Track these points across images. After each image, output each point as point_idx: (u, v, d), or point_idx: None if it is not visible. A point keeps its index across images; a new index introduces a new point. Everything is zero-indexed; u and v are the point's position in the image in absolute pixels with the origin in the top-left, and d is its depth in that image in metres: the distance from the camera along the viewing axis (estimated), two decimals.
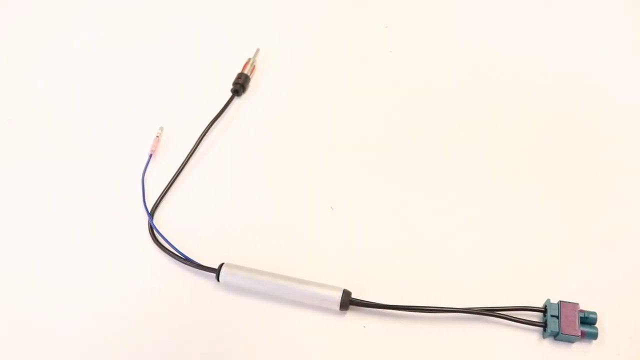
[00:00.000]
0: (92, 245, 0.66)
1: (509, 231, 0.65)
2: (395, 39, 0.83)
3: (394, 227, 0.66)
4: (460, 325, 0.59)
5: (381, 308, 0.59)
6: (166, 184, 0.69)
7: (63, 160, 0.73)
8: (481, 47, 0.82)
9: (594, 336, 0.57)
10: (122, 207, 0.69)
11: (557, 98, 0.76)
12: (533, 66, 0.79)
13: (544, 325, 0.58)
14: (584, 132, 0.73)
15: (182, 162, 0.70)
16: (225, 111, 0.75)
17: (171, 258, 0.64)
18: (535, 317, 0.59)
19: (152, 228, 0.65)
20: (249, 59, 0.78)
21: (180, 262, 0.63)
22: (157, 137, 0.72)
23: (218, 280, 0.61)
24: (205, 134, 0.72)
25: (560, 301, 0.58)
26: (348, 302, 0.59)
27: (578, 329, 0.56)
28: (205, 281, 0.63)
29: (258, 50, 0.80)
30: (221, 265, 0.61)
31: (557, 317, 0.57)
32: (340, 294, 0.59)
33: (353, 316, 0.60)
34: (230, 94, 0.77)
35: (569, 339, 0.57)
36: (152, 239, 0.65)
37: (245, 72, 0.77)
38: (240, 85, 0.76)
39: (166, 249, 0.64)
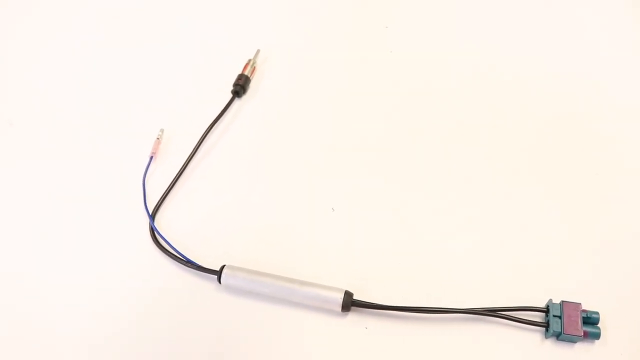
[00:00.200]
0: (93, 247, 0.65)
1: (510, 231, 0.65)
2: (395, 39, 0.82)
3: (395, 228, 0.65)
4: (462, 325, 0.59)
5: (383, 309, 0.58)
6: (167, 185, 0.68)
7: (63, 160, 0.72)
8: (481, 47, 0.81)
9: (596, 336, 0.56)
10: (123, 208, 0.68)
11: (557, 98, 0.75)
12: (533, 66, 0.79)
13: (546, 325, 0.57)
14: (584, 132, 0.72)
15: (182, 163, 0.70)
16: (226, 112, 0.74)
17: (172, 260, 0.63)
18: (538, 317, 0.59)
19: (153, 230, 0.65)
20: (249, 60, 0.78)
21: (182, 264, 0.63)
22: (158, 139, 0.72)
23: (219, 282, 0.60)
24: (205, 135, 0.72)
25: (563, 301, 0.57)
26: (350, 303, 0.58)
27: (581, 329, 0.56)
28: (206, 283, 0.62)
29: (258, 51, 0.79)
30: (222, 267, 0.61)
31: (560, 317, 0.57)
32: (342, 295, 0.58)
33: (355, 317, 0.60)
34: (230, 95, 0.76)
35: (572, 339, 0.57)
36: (153, 241, 0.65)
37: (246, 73, 0.76)
38: (240, 87, 0.75)
39: (167, 250, 0.63)
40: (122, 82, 0.80)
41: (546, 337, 0.57)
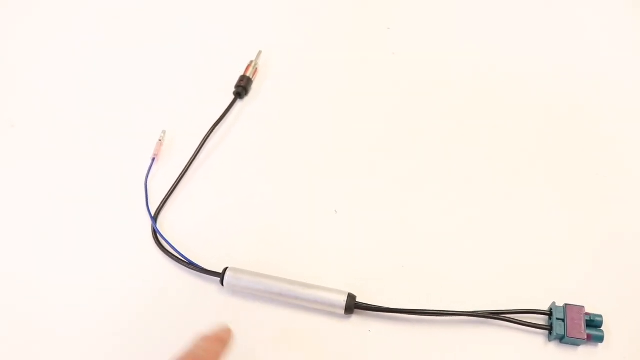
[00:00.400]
0: (94, 249, 0.65)
1: (511, 232, 0.64)
2: (397, 41, 0.81)
3: (398, 230, 0.65)
4: (466, 328, 0.58)
5: (386, 312, 0.58)
6: (168, 186, 0.68)
7: (63, 161, 0.71)
8: (481, 47, 0.81)
9: (600, 339, 0.56)
10: (125, 210, 0.67)
11: (557, 98, 0.75)
12: (533, 66, 0.78)
13: (549, 328, 0.57)
14: (585, 132, 0.72)
15: (184, 165, 0.69)
16: (228, 114, 0.73)
17: (175, 262, 0.62)
18: (541, 320, 0.58)
19: (155, 232, 0.64)
20: (251, 62, 0.77)
21: (184, 266, 0.62)
22: (160, 141, 0.71)
23: (222, 284, 0.60)
24: (207, 137, 0.71)
25: (566, 304, 0.57)
26: (353, 306, 0.58)
27: (584, 332, 0.55)
28: (209, 285, 0.61)
29: (260, 52, 0.78)
30: (225, 269, 0.60)
31: (563, 320, 0.56)
32: (345, 298, 0.58)
33: (358, 320, 0.59)
34: (231, 96, 0.75)
35: (575, 342, 0.56)
36: (156, 243, 0.64)
37: (248, 74, 0.75)
38: (242, 88, 0.74)
39: (170, 253, 0.63)
40: (123, 82, 0.79)
41: (549, 340, 0.57)
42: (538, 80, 0.77)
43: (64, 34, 0.85)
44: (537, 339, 0.57)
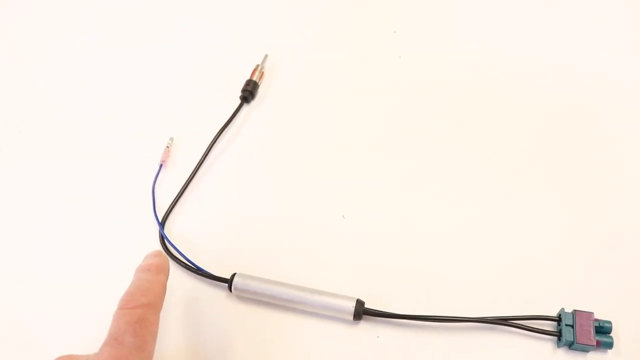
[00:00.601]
0: (102, 255, 0.63)
1: (517, 236, 0.64)
2: (403, 44, 0.80)
3: (405, 235, 0.64)
4: (474, 334, 0.57)
5: (395, 318, 0.57)
6: (174, 191, 0.66)
7: (63, 162, 0.70)
8: (481, 47, 0.80)
9: (609, 346, 0.55)
10: (131, 215, 0.66)
11: (557, 98, 0.74)
12: (533, 66, 0.77)
13: (558, 334, 0.56)
14: (585, 132, 0.71)
15: (191, 170, 0.68)
16: (234, 119, 0.72)
17: (182, 268, 0.61)
18: (549, 326, 0.57)
19: (163, 238, 0.63)
20: (257, 65, 0.75)
21: (192, 272, 0.61)
22: (168, 147, 0.69)
23: (230, 290, 0.59)
24: (214, 142, 0.70)
25: (575, 310, 0.56)
26: (361, 312, 0.57)
27: (593, 338, 0.55)
28: (217, 291, 0.60)
29: (266, 56, 0.77)
30: (233, 275, 0.59)
31: (572, 326, 0.55)
32: (354, 304, 0.57)
33: (366, 326, 0.58)
34: (233, 96, 0.74)
35: (584, 349, 0.55)
36: (163, 249, 0.63)
37: (254, 78, 0.74)
38: (249, 92, 0.73)
39: (177, 258, 0.62)
40: (123, 82, 0.78)
41: (558, 347, 0.56)
42: (538, 80, 0.76)
43: (64, 34, 0.84)
44: (546, 345, 0.57)
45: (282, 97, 0.75)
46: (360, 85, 0.76)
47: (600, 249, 0.62)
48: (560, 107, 0.73)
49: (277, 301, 0.58)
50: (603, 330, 0.55)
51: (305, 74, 0.78)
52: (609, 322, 0.55)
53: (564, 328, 0.55)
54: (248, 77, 0.75)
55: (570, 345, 0.55)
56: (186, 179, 0.67)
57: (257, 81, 0.74)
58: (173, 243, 0.62)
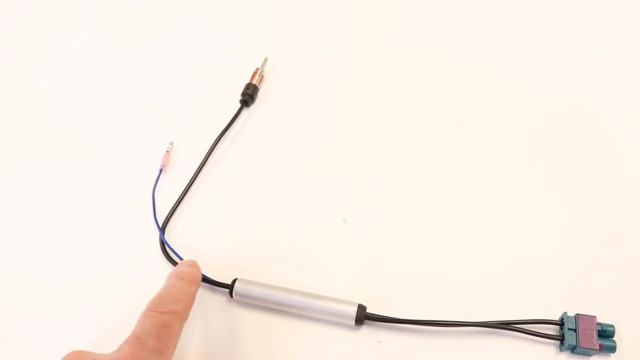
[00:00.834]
0: (101, 256, 0.62)
1: (520, 239, 0.62)
2: (403, 46, 0.79)
3: (406, 236, 0.63)
4: (477, 338, 0.56)
5: (397, 323, 0.56)
6: (173, 196, 0.65)
7: (63, 162, 0.69)
8: (480, 47, 0.79)
9: (612, 349, 0.54)
10: (131, 216, 0.65)
11: (557, 98, 0.73)
12: (533, 66, 0.76)
13: (561, 338, 0.55)
14: (585, 132, 0.70)
15: (191, 175, 0.66)
16: (234, 122, 0.71)
17: None
18: (552, 330, 0.56)
19: (163, 243, 0.62)
20: (257, 69, 0.74)
21: None
22: (168, 151, 0.68)
23: (231, 295, 0.58)
24: (214, 146, 0.68)
25: (577, 314, 0.55)
26: (363, 316, 0.56)
27: (596, 342, 0.54)
28: (218, 296, 0.59)
29: (266, 59, 0.75)
30: (234, 280, 0.58)
31: (575, 330, 0.54)
32: (356, 309, 0.55)
33: (368, 331, 0.57)
34: (233, 96, 0.73)
35: (587, 353, 0.54)
36: (164, 254, 0.61)
37: (254, 82, 0.73)
38: (249, 96, 0.72)
39: (177, 264, 0.59)
40: (123, 82, 0.76)
41: (561, 351, 0.55)
42: (538, 80, 0.75)
43: (64, 34, 0.82)
44: (549, 349, 0.55)
45: (282, 100, 0.74)
46: (360, 86, 0.75)
47: (601, 249, 0.61)
48: (560, 107, 0.72)
49: (279, 307, 0.57)
50: (606, 334, 0.54)
51: (305, 75, 0.76)
52: (612, 326, 0.54)
53: (566, 332, 0.54)
54: (248, 78, 0.73)
55: (573, 350, 0.54)
56: (186, 183, 0.66)
57: (257, 84, 0.73)
58: (173, 248, 0.61)
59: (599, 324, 0.54)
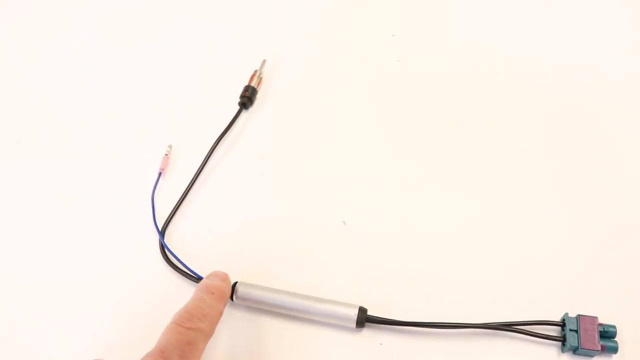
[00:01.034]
0: (101, 256, 0.62)
1: (520, 239, 0.62)
2: (402, 47, 0.78)
3: (407, 236, 0.62)
4: (478, 340, 0.55)
5: (398, 325, 0.55)
6: (172, 199, 0.64)
7: (63, 163, 0.69)
8: (480, 47, 0.78)
9: (614, 350, 0.53)
10: (131, 216, 0.64)
11: (557, 98, 0.72)
12: (533, 66, 0.75)
13: (562, 339, 0.54)
14: (585, 132, 0.69)
15: (190, 178, 0.66)
16: (233, 125, 0.70)
17: (183, 277, 0.59)
18: (553, 331, 0.55)
19: (163, 247, 0.61)
20: (256, 71, 0.73)
21: (193, 281, 0.59)
22: (167, 155, 0.67)
23: (232, 299, 0.57)
24: (213, 149, 0.67)
25: (579, 315, 0.54)
26: (364, 319, 0.55)
27: (598, 343, 0.53)
28: None
29: (264, 61, 0.74)
30: (235, 283, 0.57)
31: (576, 331, 0.53)
32: (357, 311, 0.55)
33: (369, 333, 0.56)
34: (233, 96, 0.72)
35: (589, 354, 0.53)
36: (163, 258, 0.61)
37: (252, 84, 0.72)
38: (247, 98, 0.71)
39: (178, 267, 0.60)
40: (123, 82, 0.76)
41: (562, 352, 0.54)
42: (538, 80, 0.74)
43: (64, 34, 0.82)
44: (550, 350, 0.55)
45: (281, 100, 0.73)
46: (359, 87, 0.74)
47: (601, 249, 0.61)
48: (560, 107, 0.71)
49: (280, 309, 0.56)
50: (607, 334, 0.53)
51: (304, 75, 0.76)
52: (614, 327, 0.54)
53: (568, 333, 0.53)
54: (248, 78, 0.73)
55: (575, 351, 0.53)
56: (185, 186, 0.65)
57: (256, 87, 0.72)
58: (173, 252, 0.60)
59: (600, 324, 0.54)
